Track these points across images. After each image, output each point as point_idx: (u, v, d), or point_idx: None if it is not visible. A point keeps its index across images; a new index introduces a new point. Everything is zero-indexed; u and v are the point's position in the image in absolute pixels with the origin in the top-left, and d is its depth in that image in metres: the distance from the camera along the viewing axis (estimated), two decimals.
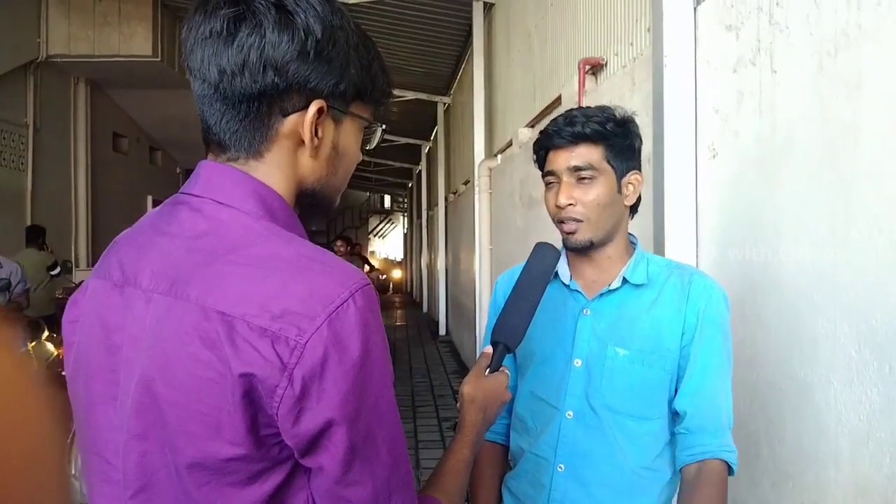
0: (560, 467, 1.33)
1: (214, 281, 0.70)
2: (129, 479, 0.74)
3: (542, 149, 1.36)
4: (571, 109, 1.37)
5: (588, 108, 1.36)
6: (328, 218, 0.89)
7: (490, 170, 6.33)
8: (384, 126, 0.88)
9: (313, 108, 0.76)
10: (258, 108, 0.75)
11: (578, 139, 1.30)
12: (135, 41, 8.21)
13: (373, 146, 0.88)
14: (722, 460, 1.27)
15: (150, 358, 0.72)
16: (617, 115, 1.33)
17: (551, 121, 1.36)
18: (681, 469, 1.30)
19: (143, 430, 0.73)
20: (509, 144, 5.58)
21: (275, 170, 0.78)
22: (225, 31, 0.73)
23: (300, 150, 0.79)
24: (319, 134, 0.78)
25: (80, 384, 0.81)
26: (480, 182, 6.42)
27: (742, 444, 1.85)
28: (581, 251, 1.34)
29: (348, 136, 0.82)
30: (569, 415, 1.33)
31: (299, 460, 0.72)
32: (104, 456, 0.77)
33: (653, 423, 1.31)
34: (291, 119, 0.76)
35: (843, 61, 1.46)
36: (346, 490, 0.71)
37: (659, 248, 2.14)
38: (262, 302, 0.68)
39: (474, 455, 0.98)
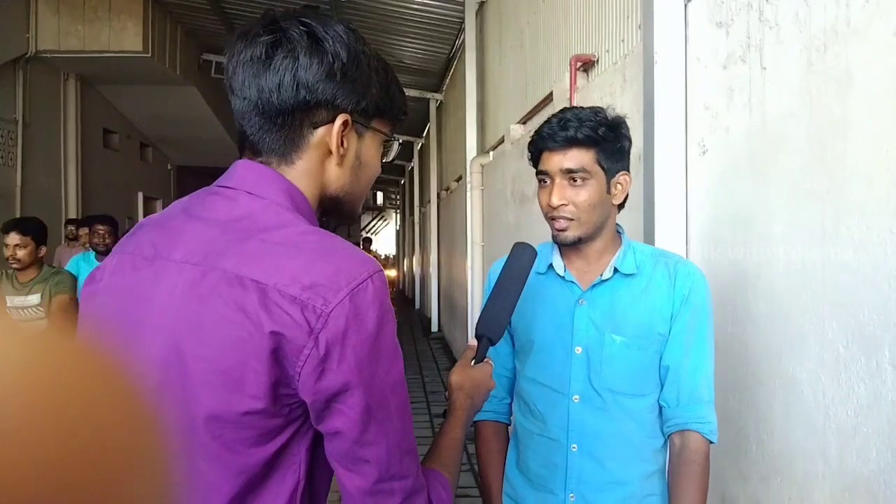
0: (573, 447, 1.42)
1: (249, 255, 0.79)
2: None
3: (536, 149, 1.42)
4: (565, 111, 1.40)
5: (581, 109, 1.40)
6: (350, 223, 1.08)
7: (482, 166, 6.33)
8: (401, 140, 1.00)
9: (339, 120, 0.87)
10: (291, 122, 0.86)
11: (571, 143, 1.35)
12: (125, 37, 8.13)
13: (390, 158, 1.00)
14: (698, 432, 1.37)
15: (181, 319, 0.79)
16: (609, 117, 1.38)
17: (545, 121, 1.41)
18: (668, 437, 1.42)
19: (160, 384, 0.80)
20: (501, 141, 5.57)
21: (303, 175, 0.89)
22: (263, 55, 0.84)
23: (328, 159, 0.90)
24: (345, 144, 0.89)
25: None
26: (472, 179, 6.42)
27: (731, 439, 1.86)
28: (570, 246, 1.42)
29: (369, 148, 0.94)
30: (575, 399, 1.42)
31: (317, 427, 0.80)
32: None
33: (648, 399, 1.41)
34: (320, 131, 0.88)
35: (831, 58, 1.46)
36: (363, 450, 0.80)
37: (649, 243, 2.14)
38: (293, 274, 0.77)
39: (465, 435, 1.09)
